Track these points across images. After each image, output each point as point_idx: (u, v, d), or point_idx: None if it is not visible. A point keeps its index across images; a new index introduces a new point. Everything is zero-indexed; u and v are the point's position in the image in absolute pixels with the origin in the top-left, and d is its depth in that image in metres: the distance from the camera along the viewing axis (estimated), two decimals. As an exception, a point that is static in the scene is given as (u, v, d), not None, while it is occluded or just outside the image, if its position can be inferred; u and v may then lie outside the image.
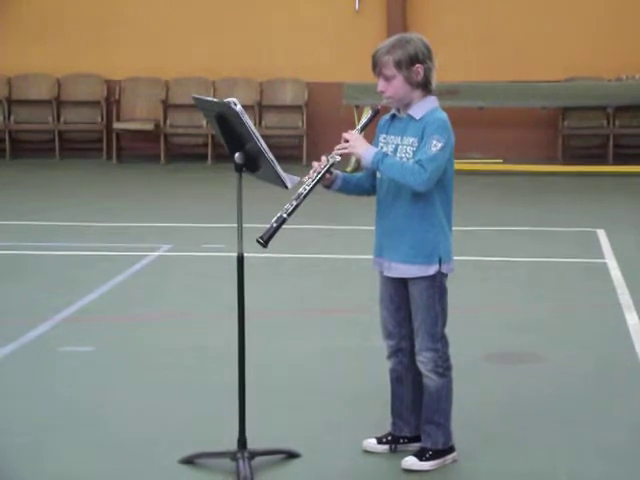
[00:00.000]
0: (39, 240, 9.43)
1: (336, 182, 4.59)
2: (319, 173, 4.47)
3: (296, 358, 6.15)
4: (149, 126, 14.89)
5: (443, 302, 4.55)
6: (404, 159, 4.44)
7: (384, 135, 4.58)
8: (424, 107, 4.47)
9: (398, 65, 4.41)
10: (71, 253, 8.96)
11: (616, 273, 8.19)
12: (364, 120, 4.65)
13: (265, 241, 4.39)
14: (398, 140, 4.51)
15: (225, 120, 4.46)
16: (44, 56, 15.18)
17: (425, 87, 4.47)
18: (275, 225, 4.39)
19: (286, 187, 4.46)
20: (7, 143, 15.12)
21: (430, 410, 4.59)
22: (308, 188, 4.43)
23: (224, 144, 4.57)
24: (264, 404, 5.17)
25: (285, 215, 4.40)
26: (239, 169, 4.49)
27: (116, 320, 7.00)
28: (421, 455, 4.58)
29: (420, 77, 4.44)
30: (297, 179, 4.48)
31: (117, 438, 4.92)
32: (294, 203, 4.41)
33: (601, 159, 14.39)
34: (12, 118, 15.18)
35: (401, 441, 4.72)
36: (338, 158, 4.50)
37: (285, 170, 4.48)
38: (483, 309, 7.21)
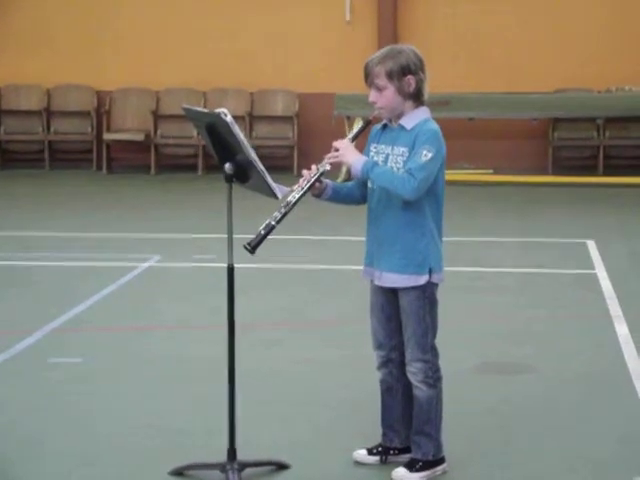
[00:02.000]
0: (28, 251, 9.41)
1: (326, 191, 4.58)
2: (309, 182, 4.47)
3: (286, 369, 6.14)
4: (139, 137, 14.89)
5: (433, 313, 4.54)
6: (394, 169, 4.45)
7: (375, 145, 4.58)
8: (416, 118, 4.47)
9: (390, 76, 4.42)
10: (60, 264, 8.93)
11: (606, 283, 8.20)
12: (355, 130, 4.65)
13: (252, 248, 4.38)
14: (389, 150, 4.51)
15: (215, 130, 4.46)
16: (34, 66, 15.17)
17: (417, 98, 4.47)
18: (263, 232, 4.38)
19: (276, 197, 4.45)
20: (-3, 154, 15.12)
21: (420, 421, 4.58)
22: (297, 196, 4.43)
23: (214, 155, 4.57)
24: (254, 415, 5.16)
25: (274, 223, 4.39)
26: (229, 180, 4.49)
27: (105, 331, 6.99)
28: (411, 466, 4.57)
29: (412, 88, 4.44)
30: (287, 189, 4.47)
31: (105, 450, 4.91)
32: (283, 211, 4.41)
33: (591, 170, 14.43)
34: (2, 129, 15.17)
35: (391, 452, 4.71)
36: (328, 167, 4.49)
37: (275, 180, 4.47)
38: (473, 320, 7.21)
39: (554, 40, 14.69)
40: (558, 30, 14.69)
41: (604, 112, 14.11)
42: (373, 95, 4.48)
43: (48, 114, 15.20)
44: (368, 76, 4.47)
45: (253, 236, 4.39)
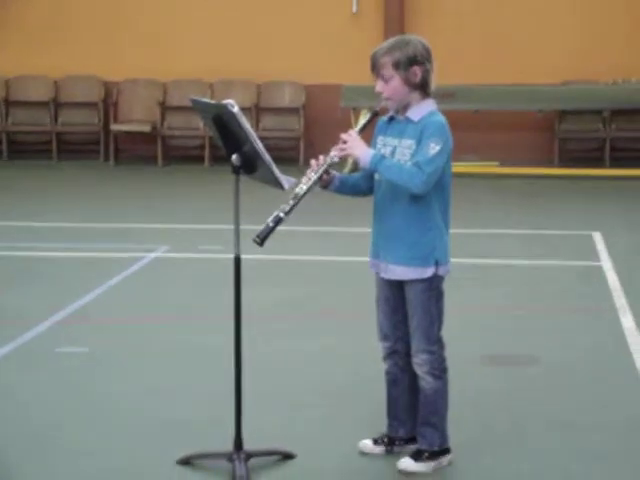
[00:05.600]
0: (35, 242, 9.43)
1: (333, 183, 4.58)
2: (317, 174, 4.46)
3: (292, 359, 6.16)
4: (146, 128, 14.87)
5: (439, 305, 4.55)
6: (402, 161, 4.44)
7: (382, 137, 4.57)
8: (422, 110, 4.46)
9: (396, 66, 4.40)
10: (68, 255, 8.95)
11: (612, 276, 8.20)
12: (363, 121, 4.62)
13: (261, 240, 4.37)
14: (396, 142, 4.50)
15: (222, 122, 4.45)
16: (42, 58, 15.16)
17: (423, 89, 4.46)
18: (271, 224, 4.37)
19: (283, 188, 4.45)
20: (4, 144, 15.14)
21: (426, 412, 4.58)
22: (305, 188, 4.43)
23: (221, 146, 4.57)
24: (261, 405, 5.16)
25: (282, 215, 4.38)
26: (236, 171, 4.48)
27: (112, 321, 7.00)
28: (417, 457, 4.57)
29: (418, 78, 4.43)
30: (294, 180, 4.47)
31: (113, 439, 4.92)
32: (291, 203, 4.39)
33: (597, 162, 14.40)
34: (10, 119, 15.18)
35: (397, 442, 4.72)
36: (336, 159, 4.48)
37: (282, 172, 4.47)
38: (480, 311, 7.21)
39: (561, 32, 14.64)
40: (565, 22, 14.65)
41: (610, 104, 14.07)
42: (379, 85, 4.47)
43: (56, 105, 15.20)
44: (375, 66, 4.45)
45: (261, 227, 4.39)
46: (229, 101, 4.38)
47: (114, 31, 15.15)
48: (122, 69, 15.09)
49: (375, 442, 4.75)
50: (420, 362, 4.55)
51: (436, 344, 4.55)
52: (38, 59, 15.18)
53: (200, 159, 14.81)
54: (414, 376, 4.61)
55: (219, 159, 14.19)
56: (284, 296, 7.64)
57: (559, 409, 5.36)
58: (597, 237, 9.73)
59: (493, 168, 14.18)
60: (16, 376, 5.84)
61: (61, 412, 5.28)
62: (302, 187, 4.42)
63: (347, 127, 4.75)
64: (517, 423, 5.15)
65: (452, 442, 4.64)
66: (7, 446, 4.80)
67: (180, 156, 15.14)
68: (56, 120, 15.18)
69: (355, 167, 4.62)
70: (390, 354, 4.68)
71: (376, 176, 4.54)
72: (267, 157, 4.40)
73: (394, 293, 4.58)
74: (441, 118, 4.46)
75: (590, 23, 14.60)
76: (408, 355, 4.61)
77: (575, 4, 14.67)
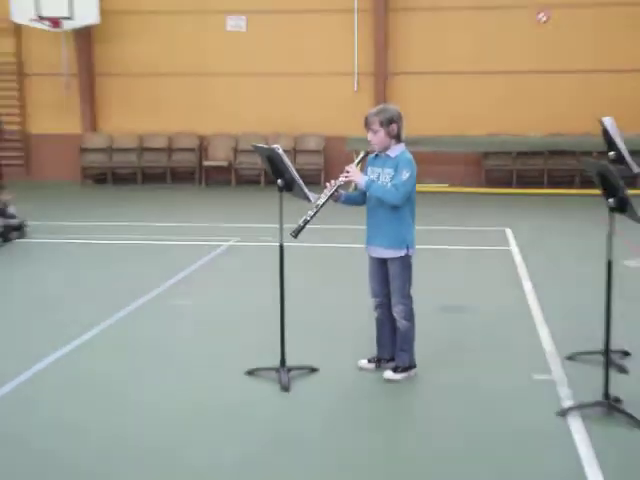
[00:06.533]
0: (155, 234, 9.43)
1: (341, 198, 4.59)
2: (330, 191, 4.47)
3: (315, 309, 6.13)
4: (225, 163, 14.89)
5: (410, 272, 4.54)
6: (384, 183, 4.43)
7: (371, 167, 4.57)
8: (397, 150, 4.47)
9: (381, 123, 4.41)
10: (175, 242, 8.95)
11: (517, 257, 8.12)
12: (358, 158, 4.64)
13: (296, 234, 4.39)
14: (380, 170, 4.50)
15: (272, 159, 4.44)
16: (160, 120, 15.23)
17: (398, 138, 4.47)
18: (302, 224, 4.39)
19: (310, 201, 4.45)
20: (139, 175, 15.21)
21: (401, 342, 4.58)
22: (323, 201, 4.44)
23: (271, 174, 4.54)
24: (296, 338, 5.14)
25: (308, 218, 4.40)
26: (280, 190, 4.47)
27: (203, 286, 6.99)
28: (395, 369, 4.57)
29: (394, 132, 4.43)
30: (317, 196, 4.47)
31: (206, 356, 4.91)
32: (314, 210, 4.41)
33: (509, 184, 14.32)
34: (142, 160, 15.23)
35: (383, 361, 4.70)
36: (342, 182, 4.49)
37: (309, 190, 4.45)
38: (435, 278, 7.16)
39: (486, 103, 14.55)
40: (488, 93, 14.56)
41: (517, 148, 14.06)
42: (370, 136, 4.47)
43: (169, 151, 15.23)
44: (367, 123, 4.46)
45: (295, 226, 4.38)
46: (276, 146, 4.37)
47: (205, 104, 15.16)
48: (210, 127, 15.12)
49: (369, 361, 4.73)
50: (398, 310, 4.53)
51: (408, 299, 4.53)
52: (157, 121, 15.23)
53: (258, 182, 14.79)
54: (394, 320, 4.59)
55: (270, 183, 14.09)
56: (312, 269, 7.60)
57: (486, 340, 5.31)
58: (508, 232, 9.65)
59: (444, 188, 14.11)
60: (144, 319, 5.83)
61: (168, 335, 5.26)
62: (321, 200, 4.42)
63: (350, 162, 4.72)
64: (459, 348, 5.11)
65: (417, 361, 4.60)
66: (123, 364, 4.79)
67: (246, 181, 15.13)
68: (170, 159, 15.20)
69: (356, 188, 4.62)
70: (378, 305, 4.65)
71: (368, 193, 4.51)
72: (300, 181, 4.38)
73: (380, 266, 4.56)
74: (409, 155, 4.45)
75: (507, 93, 14.49)
76: (389, 306, 4.58)
77: (493, 85, 14.55)
